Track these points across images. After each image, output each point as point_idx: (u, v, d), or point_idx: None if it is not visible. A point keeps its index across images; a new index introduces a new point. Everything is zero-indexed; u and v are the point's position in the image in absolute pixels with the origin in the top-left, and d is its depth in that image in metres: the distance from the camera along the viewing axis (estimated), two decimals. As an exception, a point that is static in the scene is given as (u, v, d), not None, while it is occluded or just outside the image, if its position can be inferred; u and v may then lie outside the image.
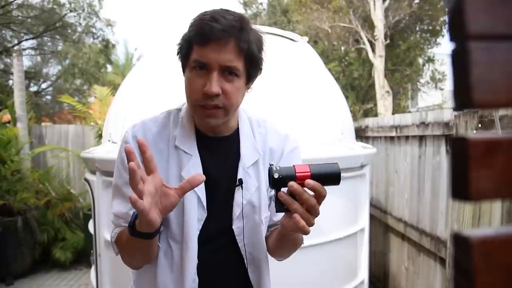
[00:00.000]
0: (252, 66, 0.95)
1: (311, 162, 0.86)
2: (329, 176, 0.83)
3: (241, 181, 0.99)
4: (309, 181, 0.80)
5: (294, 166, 0.83)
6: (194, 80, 0.91)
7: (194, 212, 0.96)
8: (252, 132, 1.06)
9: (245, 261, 1.03)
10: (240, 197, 0.99)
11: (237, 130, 1.04)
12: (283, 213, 0.88)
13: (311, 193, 0.82)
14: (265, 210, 1.03)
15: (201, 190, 0.97)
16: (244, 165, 1.01)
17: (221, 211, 1.00)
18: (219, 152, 1.02)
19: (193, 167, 0.97)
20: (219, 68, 0.89)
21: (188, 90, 0.94)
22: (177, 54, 0.97)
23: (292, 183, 0.80)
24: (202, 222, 0.98)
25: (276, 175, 0.80)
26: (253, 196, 1.01)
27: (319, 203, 0.83)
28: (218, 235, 1.01)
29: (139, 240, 0.86)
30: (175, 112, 1.05)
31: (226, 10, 0.91)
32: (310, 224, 0.83)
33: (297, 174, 0.81)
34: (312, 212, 0.82)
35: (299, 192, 0.80)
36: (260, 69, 0.98)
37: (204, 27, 0.87)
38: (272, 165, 0.84)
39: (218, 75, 0.89)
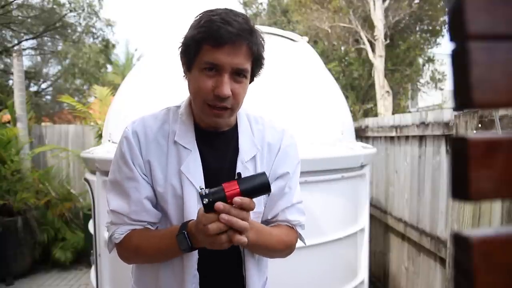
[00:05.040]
0: (258, 66, 0.98)
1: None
2: (259, 188, 0.86)
3: (239, 174, 1.00)
4: (236, 200, 0.83)
5: (222, 185, 0.85)
6: (204, 81, 0.92)
7: (194, 206, 0.97)
8: (250, 128, 1.08)
9: (242, 255, 1.03)
10: None
11: (236, 126, 1.06)
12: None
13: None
14: (257, 206, 1.04)
15: (200, 184, 0.97)
16: (243, 160, 1.02)
17: None
18: (218, 147, 1.04)
19: (192, 162, 0.99)
20: (230, 70, 0.91)
21: (197, 89, 0.95)
22: (182, 52, 0.96)
23: (218, 205, 0.82)
24: None
25: (205, 201, 0.82)
26: None
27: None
28: None
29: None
30: (174, 109, 1.06)
31: (231, 10, 0.93)
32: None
33: (226, 194, 0.83)
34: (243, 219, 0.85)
35: (227, 211, 0.83)
36: (263, 67, 1.00)
37: (218, 29, 0.88)
38: (202, 189, 0.85)
39: (228, 77, 0.91)
